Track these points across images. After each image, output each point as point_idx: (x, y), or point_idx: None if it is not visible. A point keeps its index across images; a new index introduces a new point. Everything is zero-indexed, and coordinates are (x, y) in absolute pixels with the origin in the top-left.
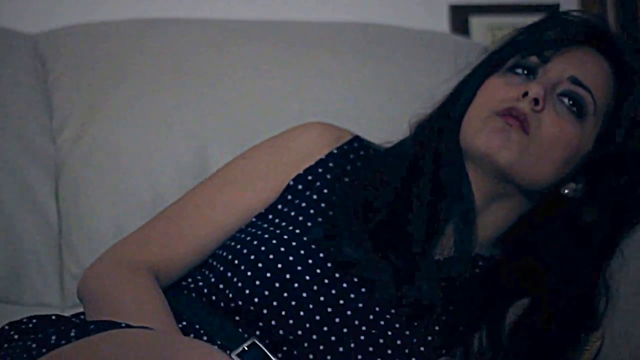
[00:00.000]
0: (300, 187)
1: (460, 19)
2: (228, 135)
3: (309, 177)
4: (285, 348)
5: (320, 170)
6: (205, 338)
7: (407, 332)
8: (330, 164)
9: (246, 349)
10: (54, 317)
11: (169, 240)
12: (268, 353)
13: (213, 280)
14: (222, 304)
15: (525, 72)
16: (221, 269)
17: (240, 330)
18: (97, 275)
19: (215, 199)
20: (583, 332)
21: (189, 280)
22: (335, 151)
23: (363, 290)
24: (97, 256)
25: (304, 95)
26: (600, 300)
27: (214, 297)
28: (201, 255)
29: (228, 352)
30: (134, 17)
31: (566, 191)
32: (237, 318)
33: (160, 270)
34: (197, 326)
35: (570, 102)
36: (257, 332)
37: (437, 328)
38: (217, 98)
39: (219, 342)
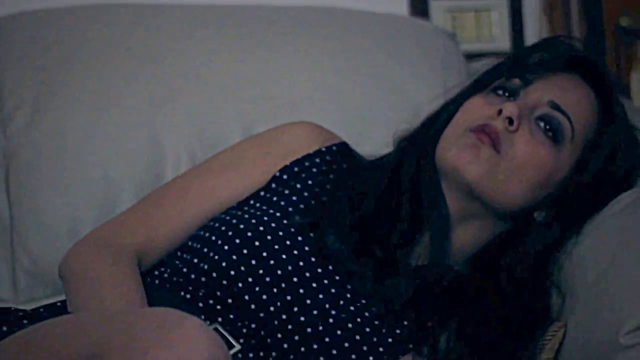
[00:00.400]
0: (285, 177)
1: (420, 3)
2: (182, 122)
3: (295, 169)
4: (253, 325)
5: (307, 164)
6: None
7: (376, 322)
8: (317, 160)
9: None
10: (12, 308)
11: (153, 224)
12: (229, 337)
13: (188, 258)
14: (191, 287)
15: (507, 93)
16: (198, 246)
17: (203, 317)
18: (79, 255)
19: (201, 184)
20: (537, 327)
21: (161, 269)
22: (323, 149)
23: (337, 277)
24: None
25: (262, 79)
26: (550, 297)
27: (184, 280)
28: (182, 237)
29: None
30: (84, 3)
31: (538, 217)
32: (206, 298)
33: (142, 253)
34: None
35: (547, 127)
36: (227, 309)
37: (405, 323)
38: (170, 85)
39: None
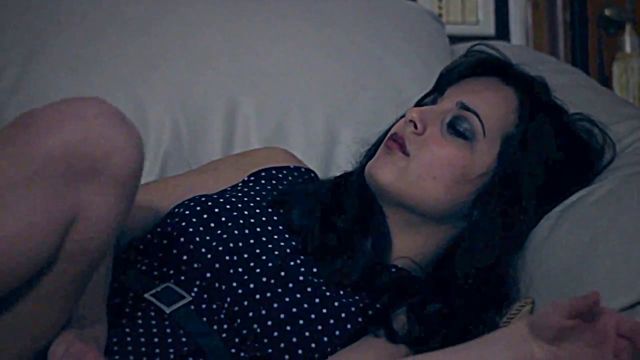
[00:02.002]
0: (253, 178)
1: None
2: (166, 90)
3: (264, 174)
4: (209, 275)
5: (277, 173)
6: (131, 294)
7: (328, 294)
8: (285, 172)
9: (160, 290)
10: None
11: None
12: (181, 291)
13: (152, 230)
14: (150, 249)
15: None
16: (162, 218)
17: (156, 273)
18: None
19: (180, 181)
20: (493, 308)
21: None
22: (292, 167)
23: (294, 243)
24: None
25: (247, 52)
26: (506, 283)
27: (143, 248)
28: (153, 222)
29: (145, 295)
30: None
31: (475, 215)
32: (161, 261)
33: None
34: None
35: (456, 126)
36: (181, 265)
37: (357, 299)
38: (156, 53)
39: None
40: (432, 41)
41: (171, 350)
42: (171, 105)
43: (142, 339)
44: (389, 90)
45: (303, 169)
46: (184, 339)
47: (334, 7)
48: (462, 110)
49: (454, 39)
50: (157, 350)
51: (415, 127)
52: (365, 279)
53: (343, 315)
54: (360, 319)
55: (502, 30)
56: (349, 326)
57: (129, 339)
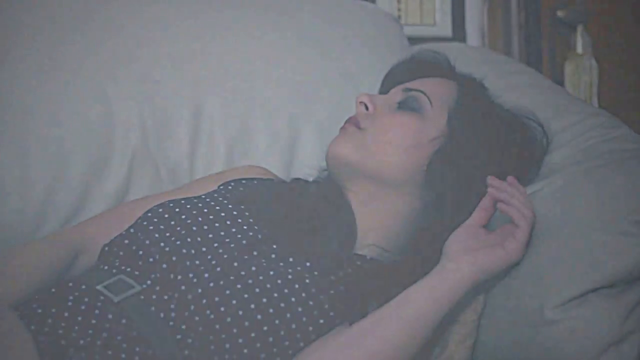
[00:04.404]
0: (222, 187)
1: None
2: (134, 89)
3: (233, 183)
4: (159, 275)
5: (246, 182)
6: (83, 286)
7: (297, 286)
8: (255, 182)
9: (112, 282)
10: None
11: (104, 226)
12: (132, 282)
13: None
14: (115, 249)
15: None
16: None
17: (114, 270)
18: None
19: (156, 198)
20: None
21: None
22: (264, 178)
23: (251, 234)
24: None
25: (214, 52)
26: None
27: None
28: None
29: (97, 286)
30: None
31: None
32: (121, 258)
33: (85, 249)
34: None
35: (405, 103)
36: (135, 260)
37: (332, 293)
38: (125, 52)
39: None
40: (392, 42)
41: (119, 338)
42: (139, 104)
43: (90, 328)
44: (350, 89)
45: (275, 180)
46: (130, 326)
47: (297, 10)
48: (408, 92)
49: (413, 40)
50: (105, 335)
51: (367, 107)
52: (330, 268)
53: (300, 309)
54: (316, 312)
55: (459, 32)
56: (304, 319)
57: (76, 327)
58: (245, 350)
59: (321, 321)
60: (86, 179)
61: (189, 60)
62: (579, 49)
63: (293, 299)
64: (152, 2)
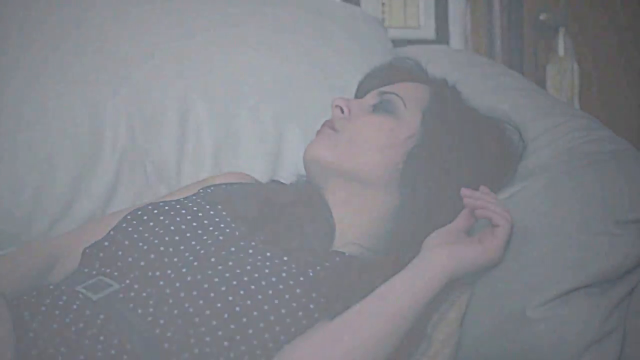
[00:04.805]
0: (202, 190)
1: None
2: (122, 92)
3: (213, 187)
4: (137, 274)
5: (226, 186)
6: (63, 287)
7: (257, 275)
8: (235, 185)
9: (91, 283)
10: None
11: (87, 234)
12: (111, 282)
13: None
14: (95, 251)
15: None
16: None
17: (94, 272)
18: None
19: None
20: None
21: None
22: (245, 182)
23: (228, 230)
24: None
25: (200, 55)
26: None
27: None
28: None
29: (77, 287)
30: None
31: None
32: (100, 261)
33: (67, 255)
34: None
35: (379, 105)
36: (113, 262)
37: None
38: (113, 55)
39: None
40: (376, 44)
41: (95, 333)
42: (127, 106)
43: (67, 325)
44: (335, 91)
45: (254, 182)
46: (107, 322)
47: (282, 13)
48: (382, 94)
49: (397, 43)
50: (81, 330)
51: (342, 111)
52: (308, 263)
53: (276, 302)
54: (295, 305)
55: (442, 34)
56: (283, 311)
57: (54, 326)
58: (226, 343)
59: (300, 313)
60: (74, 179)
61: (176, 63)
62: (561, 52)
63: (270, 292)
64: (137, 4)
